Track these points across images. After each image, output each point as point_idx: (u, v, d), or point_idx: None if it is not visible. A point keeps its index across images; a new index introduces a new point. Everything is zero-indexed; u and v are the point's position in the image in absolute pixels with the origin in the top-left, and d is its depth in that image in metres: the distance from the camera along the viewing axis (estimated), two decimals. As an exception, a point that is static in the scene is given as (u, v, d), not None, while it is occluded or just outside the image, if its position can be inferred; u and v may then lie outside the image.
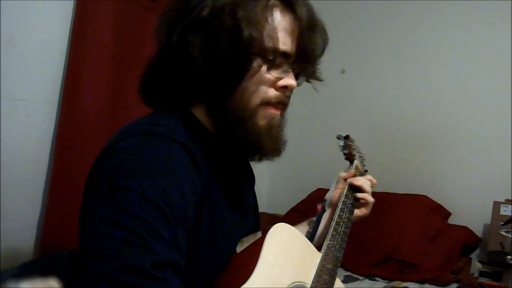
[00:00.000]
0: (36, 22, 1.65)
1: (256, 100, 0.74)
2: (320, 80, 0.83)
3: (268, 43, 0.71)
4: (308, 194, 2.58)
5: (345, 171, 1.08)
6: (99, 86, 1.81)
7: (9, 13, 1.54)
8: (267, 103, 0.75)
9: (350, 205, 0.99)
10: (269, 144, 0.77)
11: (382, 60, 2.61)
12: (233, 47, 0.69)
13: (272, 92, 0.75)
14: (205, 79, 0.72)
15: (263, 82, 0.74)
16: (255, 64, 0.72)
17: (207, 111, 0.77)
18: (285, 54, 0.74)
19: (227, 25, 0.69)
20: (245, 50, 0.70)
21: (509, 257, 1.52)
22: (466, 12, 2.36)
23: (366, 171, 1.14)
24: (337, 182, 1.06)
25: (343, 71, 2.67)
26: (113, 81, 1.84)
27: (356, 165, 1.11)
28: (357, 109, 2.66)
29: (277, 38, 0.72)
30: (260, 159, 0.81)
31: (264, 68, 0.73)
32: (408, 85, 2.53)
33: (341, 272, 2.06)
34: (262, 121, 0.75)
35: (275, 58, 0.73)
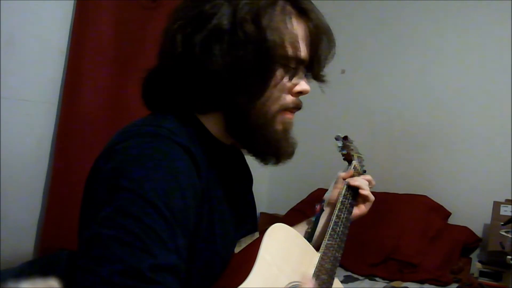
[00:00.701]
0: (36, 22, 1.65)
1: (276, 106, 0.75)
2: (324, 82, 0.83)
3: (290, 51, 0.72)
4: (308, 194, 2.58)
5: (344, 171, 1.08)
6: (99, 86, 1.81)
7: (9, 13, 1.54)
8: (285, 109, 0.76)
9: (348, 205, 0.99)
10: (286, 149, 0.78)
11: (382, 60, 2.61)
12: (258, 55, 0.69)
13: (289, 98, 0.76)
14: (228, 88, 0.71)
15: (284, 89, 0.75)
16: (278, 72, 0.73)
17: (224, 118, 0.76)
18: (302, 61, 0.75)
19: (252, 33, 0.69)
20: (270, 59, 0.70)
21: (509, 257, 1.52)
22: (466, 12, 2.36)
23: (364, 171, 1.14)
24: (336, 182, 1.06)
25: (343, 71, 2.67)
26: (113, 81, 1.84)
27: (355, 165, 1.11)
28: (357, 109, 2.66)
29: (299, 47, 0.73)
30: (276, 163, 0.81)
31: (286, 76, 0.74)
32: (408, 85, 2.53)
33: (341, 272, 2.06)
34: (279, 126, 0.76)
35: (297, 67, 0.74)
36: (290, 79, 0.74)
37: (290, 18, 0.73)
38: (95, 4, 1.76)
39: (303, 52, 0.74)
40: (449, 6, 2.39)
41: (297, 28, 0.74)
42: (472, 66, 2.34)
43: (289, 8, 0.73)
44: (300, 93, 0.77)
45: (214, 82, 0.71)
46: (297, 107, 0.78)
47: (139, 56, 1.80)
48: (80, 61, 1.74)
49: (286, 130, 0.78)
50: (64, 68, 1.74)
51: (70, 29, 1.74)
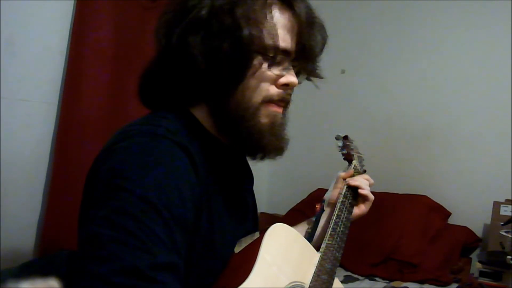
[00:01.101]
0: (36, 22, 1.65)
1: (257, 98, 0.74)
2: (320, 77, 0.83)
3: (268, 41, 0.72)
4: (308, 194, 2.59)
5: (344, 171, 1.08)
6: (99, 86, 1.81)
7: (9, 13, 1.54)
8: (269, 100, 0.75)
9: (348, 205, 0.99)
10: (272, 143, 0.77)
11: (382, 60, 2.61)
12: (233, 45, 0.69)
13: (273, 90, 0.75)
14: (206, 78, 0.72)
15: (264, 79, 0.74)
16: (255, 62, 0.72)
17: (209, 111, 0.76)
18: (285, 52, 0.74)
19: (227, 24, 0.69)
20: (245, 48, 0.70)
21: (509, 257, 1.52)
22: (466, 12, 2.36)
23: (364, 171, 1.14)
24: (336, 182, 1.06)
25: (343, 71, 2.67)
26: (113, 81, 1.84)
27: (355, 165, 1.11)
28: (357, 109, 2.66)
29: (277, 35, 0.72)
30: (262, 158, 0.81)
31: (265, 65, 0.73)
32: (408, 85, 2.53)
33: (341, 272, 2.06)
34: (264, 119, 0.75)
35: (275, 55, 0.73)
36: (269, 68, 0.74)
37: (271, 7, 0.72)
38: (95, 4, 1.76)
39: (284, 42, 0.74)
40: (449, 6, 2.39)
41: (280, 18, 0.73)
42: (472, 66, 2.34)
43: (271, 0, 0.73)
44: (287, 85, 0.76)
45: (193, 73, 0.71)
46: (283, 100, 0.77)
47: (139, 56, 1.80)
48: (80, 61, 1.74)
49: (273, 123, 0.76)
50: (64, 69, 1.74)
51: (70, 30, 1.74)
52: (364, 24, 2.67)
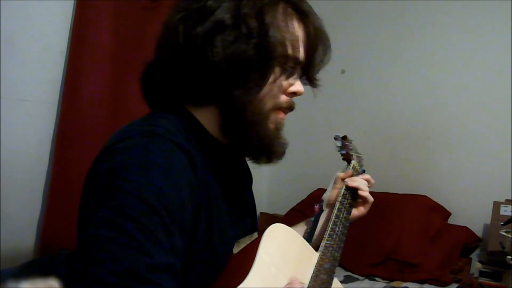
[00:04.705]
0: (36, 22, 1.65)
1: (270, 104, 0.75)
2: (316, 86, 0.85)
3: (290, 51, 0.73)
4: (308, 194, 2.58)
5: (342, 171, 1.08)
6: (99, 86, 1.81)
7: (9, 13, 1.54)
8: (279, 108, 0.77)
9: (347, 205, 0.99)
10: (278, 148, 0.79)
11: (382, 60, 2.61)
12: (259, 51, 0.70)
13: (283, 98, 0.77)
14: (226, 80, 0.72)
15: (280, 88, 0.76)
16: (276, 70, 0.73)
17: (218, 112, 0.76)
18: (300, 62, 0.76)
19: (255, 29, 0.70)
20: (271, 56, 0.71)
21: (509, 257, 1.52)
22: (466, 12, 2.36)
23: (363, 171, 1.14)
24: (335, 182, 1.06)
25: (343, 71, 2.67)
26: (113, 81, 1.84)
27: (354, 165, 1.11)
28: (357, 109, 2.66)
29: (299, 47, 0.74)
30: (267, 162, 0.82)
31: (283, 75, 0.75)
32: (408, 85, 2.53)
33: (341, 272, 2.06)
34: (271, 125, 0.77)
35: (294, 67, 0.76)
36: (287, 78, 0.76)
37: (292, 19, 0.74)
38: (95, 4, 1.76)
39: (301, 53, 0.75)
40: (450, 6, 2.38)
41: (297, 30, 0.75)
42: (472, 66, 2.33)
43: (290, 10, 0.75)
44: (294, 94, 0.78)
45: (213, 74, 0.71)
46: (290, 107, 0.79)
47: (138, 56, 1.80)
48: (80, 61, 1.74)
49: (278, 129, 0.78)
50: (64, 68, 1.74)
51: (70, 29, 1.74)
52: (364, 24, 2.67)
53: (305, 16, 0.76)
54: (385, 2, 2.58)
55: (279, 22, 0.71)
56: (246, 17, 0.70)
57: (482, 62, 2.31)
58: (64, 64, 1.74)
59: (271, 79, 0.73)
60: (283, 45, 0.72)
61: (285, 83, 0.76)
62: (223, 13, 0.70)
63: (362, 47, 2.66)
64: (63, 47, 1.74)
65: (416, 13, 2.50)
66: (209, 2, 0.71)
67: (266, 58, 0.71)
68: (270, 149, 0.78)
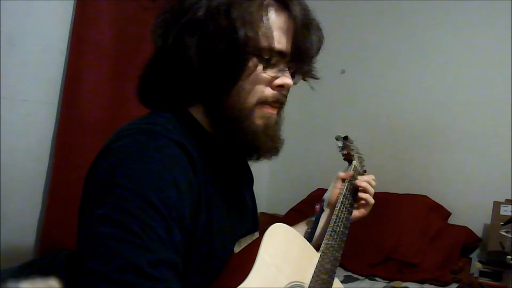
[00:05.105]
0: (36, 22, 1.65)
1: (252, 99, 0.74)
2: (316, 78, 0.83)
3: (264, 42, 0.72)
4: (308, 194, 2.58)
5: (343, 171, 1.08)
6: (99, 86, 1.81)
7: (9, 13, 1.54)
8: (263, 102, 0.75)
9: (348, 205, 0.99)
10: (266, 144, 0.77)
11: (382, 60, 2.61)
12: (228, 47, 0.69)
13: (268, 91, 0.75)
14: (201, 79, 0.72)
15: (259, 81, 0.74)
16: (250, 63, 0.72)
17: (204, 111, 0.77)
18: (280, 53, 0.74)
19: (222, 25, 0.69)
20: (240, 50, 0.70)
21: (509, 257, 1.52)
22: (466, 12, 2.36)
23: (365, 171, 1.14)
24: (336, 182, 1.06)
25: (343, 71, 2.67)
26: (113, 81, 1.84)
27: (355, 165, 1.11)
28: (357, 109, 2.66)
29: (272, 37, 0.72)
30: (257, 159, 0.81)
31: (260, 67, 0.73)
32: (408, 85, 2.53)
33: (341, 272, 2.06)
34: (258, 121, 0.75)
35: (270, 57, 0.74)
36: (264, 69, 0.74)
37: (267, 9, 0.72)
38: (95, 4, 1.76)
39: (280, 44, 0.73)
40: (450, 5, 2.39)
41: (276, 20, 0.73)
42: (472, 66, 2.33)
43: (268, 1, 0.73)
44: (282, 87, 0.76)
45: (189, 74, 0.72)
46: (277, 101, 0.77)
47: (138, 56, 1.80)
48: (80, 61, 1.74)
49: (267, 125, 0.76)
50: (64, 68, 1.74)
51: (70, 29, 1.74)
52: (364, 24, 2.67)
53: (284, 4, 0.74)
54: (385, 2, 2.58)
55: (249, 14, 0.70)
56: (214, 14, 0.69)
57: (482, 62, 2.31)
58: (64, 64, 1.73)
59: (245, 73, 0.72)
60: (255, 39, 0.70)
61: (265, 75, 0.74)
62: (196, 12, 0.70)
63: (362, 47, 2.66)
64: (63, 47, 1.74)
65: (416, 13, 2.50)
66: (186, 2, 0.72)
67: (235, 54, 0.70)
68: (256, 145, 0.77)
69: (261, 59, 0.73)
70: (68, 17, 1.73)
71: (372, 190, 1.02)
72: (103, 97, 1.82)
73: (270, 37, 0.72)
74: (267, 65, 0.74)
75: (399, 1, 2.55)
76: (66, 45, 1.74)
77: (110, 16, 1.81)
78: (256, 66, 0.73)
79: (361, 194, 1.01)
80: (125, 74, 1.83)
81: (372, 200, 1.01)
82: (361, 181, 1.02)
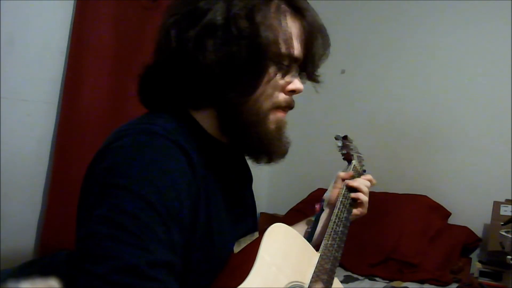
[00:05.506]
0: (36, 22, 1.65)
1: (268, 104, 0.75)
2: (318, 82, 0.84)
3: (284, 49, 0.72)
4: (308, 194, 2.58)
5: (343, 171, 1.08)
6: (99, 86, 1.81)
7: (9, 13, 1.54)
8: (277, 107, 0.76)
9: (348, 205, 0.99)
10: (279, 148, 0.78)
11: (382, 60, 2.61)
12: (251, 51, 0.69)
13: (282, 96, 0.76)
14: (219, 83, 0.71)
15: (276, 87, 0.75)
16: (271, 69, 0.73)
17: (216, 115, 0.76)
18: (296, 59, 0.75)
19: (245, 29, 0.69)
20: (263, 55, 0.70)
21: (509, 257, 1.52)
22: (466, 12, 2.36)
23: (364, 171, 1.14)
24: (335, 182, 1.06)
25: (343, 71, 2.67)
26: (113, 81, 1.84)
27: (354, 165, 1.11)
28: (357, 109, 2.66)
29: (292, 44, 0.73)
30: (267, 162, 0.81)
31: (279, 74, 0.74)
32: (408, 85, 2.53)
33: (341, 272, 2.06)
34: (272, 125, 0.76)
35: (290, 65, 0.74)
36: (283, 76, 0.75)
37: (285, 16, 0.73)
38: (95, 4, 1.76)
39: (296, 50, 0.74)
40: (449, 5, 2.39)
41: (292, 26, 0.74)
42: (473, 66, 2.34)
43: (284, 6, 0.74)
44: (293, 91, 0.77)
45: (206, 78, 0.71)
46: (289, 106, 0.78)
47: (139, 56, 1.80)
48: (80, 61, 1.74)
49: (280, 129, 0.78)
50: (64, 68, 1.74)
51: (70, 29, 1.74)
52: (364, 24, 2.67)
53: (299, 11, 0.75)
54: (385, 2, 2.59)
55: (270, 20, 0.70)
56: (236, 18, 0.69)
57: (482, 62, 2.31)
58: (64, 64, 1.74)
59: (266, 79, 0.72)
60: (276, 44, 0.71)
61: (282, 81, 0.75)
62: (214, 15, 0.69)
63: (362, 47, 2.66)
64: (63, 47, 1.74)
65: (416, 13, 2.50)
66: (201, 4, 0.70)
67: (258, 59, 0.70)
68: (270, 149, 0.78)
69: (281, 66, 0.74)
70: (68, 17, 1.73)
71: (365, 189, 1.02)
72: (103, 97, 1.82)
73: (290, 44, 0.73)
74: (286, 72, 0.75)
75: (399, 1, 2.55)
76: (66, 45, 1.74)
77: (110, 16, 1.81)
78: (275, 73, 0.73)
79: (353, 194, 1.01)
80: (125, 74, 1.83)
81: (365, 198, 1.01)
82: (353, 181, 1.02)
